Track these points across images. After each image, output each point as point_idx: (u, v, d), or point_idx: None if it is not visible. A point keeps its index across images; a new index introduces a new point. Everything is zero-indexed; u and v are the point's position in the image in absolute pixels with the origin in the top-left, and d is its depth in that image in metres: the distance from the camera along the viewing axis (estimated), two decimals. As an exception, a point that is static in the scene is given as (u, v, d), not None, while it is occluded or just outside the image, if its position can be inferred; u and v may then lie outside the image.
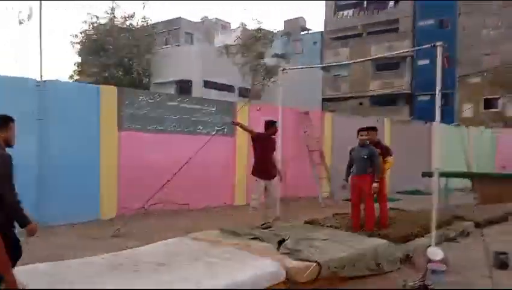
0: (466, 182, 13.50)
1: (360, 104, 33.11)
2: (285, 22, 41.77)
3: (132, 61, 21.06)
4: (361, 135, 6.79)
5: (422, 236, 6.39)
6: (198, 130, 9.59)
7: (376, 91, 32.12)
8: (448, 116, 26.90)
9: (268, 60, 16.93)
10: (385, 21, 34.44)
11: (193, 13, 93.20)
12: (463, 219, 7.84)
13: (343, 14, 36.56)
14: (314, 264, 4.47)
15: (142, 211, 8.71)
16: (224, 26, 46.57)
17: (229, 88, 21.95)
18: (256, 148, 6.48)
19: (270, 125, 6.66)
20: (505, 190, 9.87)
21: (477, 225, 8.02)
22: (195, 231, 7.30)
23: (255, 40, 15.76)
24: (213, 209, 9.68)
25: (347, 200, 11.60)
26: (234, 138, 10.29)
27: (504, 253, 5.47)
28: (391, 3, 34.59)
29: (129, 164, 8.48)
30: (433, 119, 17.71)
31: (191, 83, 21.90)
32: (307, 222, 7.10)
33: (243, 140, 10.39)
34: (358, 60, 15.51)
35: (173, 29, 39.12)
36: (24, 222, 3.38)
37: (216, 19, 44.65)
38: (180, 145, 9.23)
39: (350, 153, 6.96)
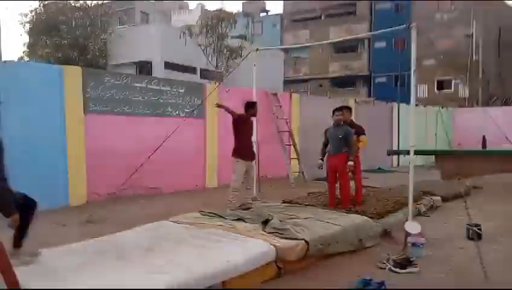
0: (425, 159, 14.08)
1: (320, 85, 33.50)
2: (243, 3, 41.35)
3: (87, 41, 20.16)
4: (337, 115, 6.84)
5: (396, 212, 6.57)
6: (167, 113, 9.35)
7: (335, 73, 32.57)
8: (404, 97, 27.75)
9: (231, 42, 16.68)
10: (343, 4, 34.79)
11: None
12: (431, 194, 8.12)
13: (302, -5, 36.56)
14: (303, 242, 4.49)
15: (113, 196, 8.47)
16: (182, 6, 45.49)
17: (190, 69, 21.53)
18: (237, 130, 6.37)
19: (250, 106, 6.57)
20: (465, 165, 10.33)
21: (445, 199, 8.39)
22: (171, 215, 7.16)
23: (218, 21, 15.46)
24: (185, 192, 9.53)
25: (317, 180, 11.81)
26: (204, 120, 10.13)
27: (477, 225, 5.71)
28: (349, -14, 34.91)
29: (97, 148, 8.15)
30: (391, 99, 18.24)
31: (151, 64, 21.29)
32: (284, 202, 7.12)
33: (213, 122, 10.26)
34: (325, 41, 15.56)
35: (127, 8, 37.75)
36: (8, 211, 3.27)
37: (173, -2, 43.43)
38: (149, 128, 8.99)
39: (325, 133, 7.02)
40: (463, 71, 31.09)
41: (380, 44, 32.48)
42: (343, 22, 34.24)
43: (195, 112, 9.72)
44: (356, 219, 5.55)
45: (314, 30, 35.11)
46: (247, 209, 6.21)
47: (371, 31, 33.06)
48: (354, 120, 7.63)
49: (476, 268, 4.33)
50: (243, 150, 6.31)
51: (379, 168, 14.96)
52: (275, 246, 4.31)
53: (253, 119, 6.75)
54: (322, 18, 36.06)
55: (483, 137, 16.92)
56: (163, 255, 4.00)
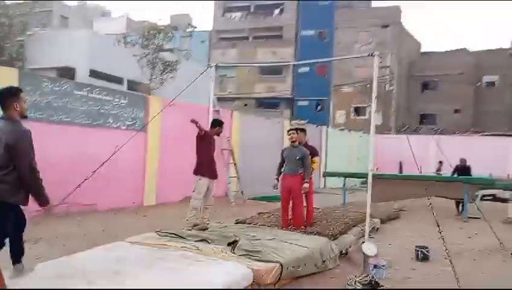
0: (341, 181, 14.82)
1: (245, 105, 33.94)
2: (171, 16, 40.86)
3: (3, 42, 18.48)
4: (292, 134, 6.93)
5: (346, 233, 6.77)
6: (107, 124, 8.81)
7: (261, 94, 33.28)
8: (324, 121, 29.16)
9: (165, 55, 16.32)
10: (271, 27, 35.89)
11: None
12: (371, 216, 8.48)
13: (231, 15, 37.10)
14: (278, 265, 4.41)
15: (44, 212, 7.68)
16: (104, 13, 43.76)
17: (117, 79, 20.62)
18: (201, 147, 6.17)
19: (218, 124, 6.43)
20: (395, 189, 11.02)
21: (382, 221, 8.83)
22: (114, 235, 6.73)
23: (156, 33, 15.04)
24: (122, 209, 8.98)
25: (253, 199, 11.83)
26: (146, 134, 9.69)
27: (424, 247, 6.07)
28: (276, 11, 36.16)
29: (29, 158, 7.38)
30: (312, 122, 18.86)
31: (74, 71, 20.05)
32: (237, 222, 7.00)
33: (154, 136, 9.87)
34: (276, 62, 15.82)
35: (44, 11, 35.45)
36: (41, 200, 3.55)
37: (96, 4, 41.70)
38: (88, 140, 8.39)
39: (282, 153, 7.07)
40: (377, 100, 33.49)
41: (304, 69, 33.84)
42: (270, 45, 35.27)
43: (136, 125, 9.27)
44: (318, 240, 5.61)
45: (242, 50, 35.71)
46: (204, 229, 6.00)
47: (295, 55, 34.40)
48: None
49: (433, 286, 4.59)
50: (207, 167, 6.12)
51: (309, 189, 15.38)
52: (252, 269, 4.18)
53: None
54: (250, 39, 36.82)
55: (400, 163, 18.24)
56: (136, 280, 3.68)
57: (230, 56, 36.02)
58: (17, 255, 3.72)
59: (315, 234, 6.08)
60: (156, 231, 5.65)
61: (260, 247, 4.82)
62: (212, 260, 4.35)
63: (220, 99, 34.57)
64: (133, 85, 21.16)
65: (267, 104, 34.60)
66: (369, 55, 5.93)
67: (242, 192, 11.12)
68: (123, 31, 37.24)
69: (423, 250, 5.99)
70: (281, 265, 4.43)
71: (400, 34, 34.34)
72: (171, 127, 10.20)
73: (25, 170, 3.46)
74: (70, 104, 8.06)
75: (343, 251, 6.05)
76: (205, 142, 6.19)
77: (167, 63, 15.48)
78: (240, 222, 6.93)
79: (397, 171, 17.62)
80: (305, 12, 35.02)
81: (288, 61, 32.64)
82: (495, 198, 12.77)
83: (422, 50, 38.91)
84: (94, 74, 20.15)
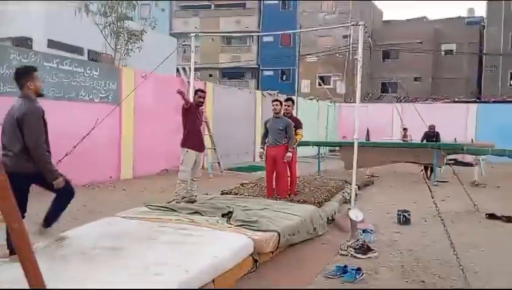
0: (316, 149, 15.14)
1: (210, 75, 33.44)
2: (128, -17, 39.07)
3: (-50, 9, 17.13)
4: (275, 105, 6.92)
5: (330, 200, 6.95)
6: (80, 97, 8.47)
7: (225, 64, 32.84)
8: (290, 90, 29.27)
9: (131, 24, 15.67)
10: (233, -5, 35.13)
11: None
12: (348, 183, 8.71)
13: (192, -18, 35.93)
14: (276, 234, 4.49)
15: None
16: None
17: (77, 50, 19.70)
18: (188, 119, 6.04)
19: (196, 93, 6.28)
20: (367, 156, 11.33)
21: (358, 188, 9.09)
22: (98, 210, 6.61)
23: (120, 0, 14.35)
24: (99, 184, 8.78)
25: (230, 170, 11.86)
26: (120, 108, 9.39)
27: (406, 211, 6.33)
28: (239, -22, 35.34)
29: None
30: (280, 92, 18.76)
31: (31, 41, 18.96)
32: (223, 193, 7.01)
33: (129, 110, 9.62)
34: (252, 32, 15.46)
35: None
36: (51, 175, 3.66)
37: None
38: (60, 114, 8.02)
39: (265, 125, 7.08)
40: (340, 69, 33.92)
41: (268, 39, 33.53)
42: (233, 14, 34.61)
43: (110, 97, 8.97)
44: (307, 208, 5.73)
45: (205, 19, 34.87)
46: (193, 202, 5.98)
47: (259, 24, 33.99)
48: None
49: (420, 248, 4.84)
50: (193, 140, 6.03)
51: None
52: (252, 238, 4.23)
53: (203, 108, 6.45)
54: (212, 8, 35.95)
55: (367, 130, 18.68)
56: (139, 255, 3.63)
57: (192, 25, 35.05)
58: (48, 219, 3.91)
59: (301, 203, 6.20)
60: (146, 205, 5.58)
61: (255, 217, 4.87)
62: (210, 231, 4.36)
63: (183, 69, 33.89)
64: (94, 55, 20.32)
65: (232, 75, 34.26)
66: (353, 25, 5.93)
67: (219, 163, 11.10)
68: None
69: (405, 214, 6.25)
70: (278, 234, 4.51)
71: (362, 3, 34.54)
72: (145, 99, 9.95)
73: (31, 143, 3.56)
74: (40, 76, 7.64)
75: (329, 218, 6.21)
76: (191, 114, 6.08)
77: (132, 32, 14.87)
78: (226, 193, 6.95)
79: (364, 138, 18.04)
80: (268, -20, 34.46)
81: (256, 31, 32.25)
82: (456, 162, 13.39)
83: (384, 19, 39.35)
84: (52, 44, 19.11)
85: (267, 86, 30.54)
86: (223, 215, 5.00)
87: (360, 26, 5.90)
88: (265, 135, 7.04)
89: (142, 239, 4.06)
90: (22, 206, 3.58)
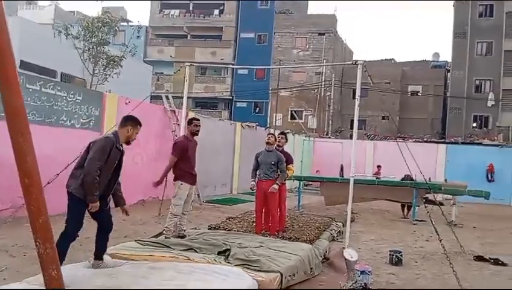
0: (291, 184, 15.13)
1: (182, 103, 33.26)
2: (103, 8, 38.94)
3: None
4: (269, 138, 6.85)
5: (320, 237, 6.82)
6: (61, 122, 8.11)
7: (199, 94, 32.81)
8: (262, 123, 29.44)
9: (111, 49, 15.42)
10: (210, 27, 35.53)
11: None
12: (334, 220, 8.65)
13: (169, 12, 36.17)
14: (278, 274, 4.31)
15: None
16: (29, 0, 40.61)
17: (50, 72, 19.19)
18: (183, 155, 5.78)
19: (191, 122, 6.10)
20: (344, 193, 11.37)
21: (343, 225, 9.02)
22: (75, 245, 6.20)
23: (101, 25, 14.12)
24: (75, 214, 8.30)
25: (209, 202, 11.59)
26: (101, 134, 9.05)
27: (398, 251, 6.28)
28: (216, 11, 35.87)
29: (-27, 158, 6.59)
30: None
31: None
32: (210, 228, 6.77)
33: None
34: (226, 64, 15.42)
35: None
36: (91, 197, 3.97)
37: (20, -10, 38.47)
38: (40, 139, 7.61)
39: (256, 158, 6.96)
40: (312, 104, 34.56)
41: (243, 71, 33.91)
42: (209, 45, 34.94)
43: (91, 123, 8.65)
44: (303, 247, 5.58)
45: (180, 48, 34.98)
46: (182, 237, 5.72)
47: (235, 56, 34.38)
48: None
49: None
50: (188, 173, 5.80)
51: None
52: (256, 280, 4.04)
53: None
54: (188, 37, 36.18)
55: (341, 166, 18.87)
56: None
57: (167, 54, 35.13)
58: (99, 254, 4.29)
59: (294, 240, 6.05)
60: (136, 240, 5.27)
61: (255, 256, 4.67)
62: (211, 271, 4.13)
63: (156, 97, 33.68)
64: (67, 78, 19.84)
65: (205, 104, 34.23)
66: (353, 63, 6.01)
67: (198, 195, 10.82)
68: (50, 21, 34.93)
69: (397, 254, 6.19)
70: (281, 274, 4.34)
71: (334, 42, 35.68)
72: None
73: (86, 166, 3.97)
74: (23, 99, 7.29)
75: (322, 257, 6.07)
76: (187, 150, 5.85)
77: (111, 58, 14.65)
78: (214, 228, 6.71)
79: (338, 174, 18.19)
80: (244, 15, 35.11)
81: (231, 63, 32.56)
82: (427, 201, 13.66)
83: (354, 58, 40.70)
84: (25, 65, 18.56)
85: (240, 118, 30.58)
86: (219, 253, 4.78)
87: (359, 64, 5.97)
88: (255, 169, 6.92)
89: (136, 280, 3.76)
90: (72, 227, 4.11)
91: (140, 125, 4.35)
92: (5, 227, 6.81)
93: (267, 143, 6.82)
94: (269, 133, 7.02)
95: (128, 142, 4.31)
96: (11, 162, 6.94)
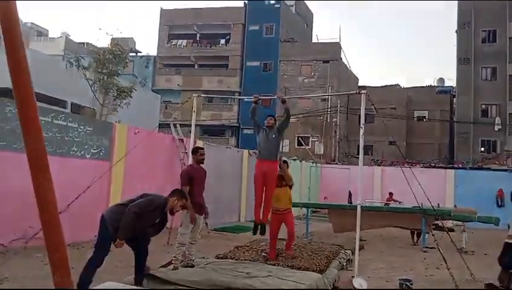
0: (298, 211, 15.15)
1: (191, 132, 33.56)
2: (112, 39, 39.88)
3: None
4: (268, 122, 6.76)
5: (329, 266, 6.80)
6: (72, 152, 8.27)
7: (206, 121, 33.14)
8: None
9: (121, 80, 15.75)
10: (216, 56, 36.20)
11: None
12: (343, 248, 8.60)
13: (176, 42, 36.96)
14: (288, 305, 4.31)
15: (0, 249, 7.00)
16: (41, 32, 41.76)
17: (60, 103, 19.57)
18: (192, 185, 5.88)
19: (197, 151, 6.22)
20: (352, 220, 11.33)
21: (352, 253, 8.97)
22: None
23: (112, 57, 14.50)
24: (84, 244, 8.35)
25: (216, 230, 11.60)
26: (111, 164, 9.19)
27: (408, 280, 6.23)
28: (222, 41, 36.61)
29: (-14, 189, 6.72)
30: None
31: (12, 92, 18.74)
32: (218, 257, 6.77)
33: (119, 167, 9.40)
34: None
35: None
36: (121, 235, 4.49)
37: (32, 23, 39.68)
38: (51, 169, 7.76)
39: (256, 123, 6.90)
40: (319, 130, 34.69)
41: (249, 99, 34.21)
42: (216, 74, 35.51)
43: (101, 153, 8.80)
44: (313, 276, 5.57)
45: (187, 77, 35.57)
46: (191, 266, 5.74)
47: (241, 85, 34.86)
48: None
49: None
50: (197, 202, 5.87)
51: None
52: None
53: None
54: (195, 67, 36.83)
55: (349, 192, 18.80)
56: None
57: (175, 82, 35.72)
58: (139, 280, 4.88)
59: (304, 269, 6.04)
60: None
61: (263, 285, 4.68)
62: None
63: (164, 125, 34.08)
64: (77, 109, 20.20)
65: (213, 132, 34.48)
66: (357, 92, 6.14)
67: (206, 223, 10.83)
68: (61, 52, 35.78)
69: (407, 283, 6.15)
70: (291, 306, 4.34)
71: (339, 69, 36.09)
72: (135, 156, 9.80)
73: (129, 208, 4.52)
74: (34, 130, 7.48)
75: (331, 286, 6.04)
76: (195, 179, 5.95)
77: (122, 89, 14.96)
78: (222, 257, 6.72)
79: (346, 201, 18.12)
80: (250, 44, 35.80)
81: (238, 91, 33.03)
82: (437, 227, 13.54)
83: (359, 84, 41.03)
84: (36, 95, 18.93)
85: (247, 145, 30.82)
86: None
87: (362, 95, 6.10)
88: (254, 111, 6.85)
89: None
90: (100, 252, 4.63)
91: (186, 199, 5.00)
92: (16, 257, 6.88)
93: (268, 126, 6.67)
94: (269, 115, 6.87)
95: (172, 213, 4.88)
96: (22, 191, 7.09)
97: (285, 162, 7.39)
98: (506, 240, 6.38)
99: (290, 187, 7.22)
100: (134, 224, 4.48)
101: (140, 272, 4.91)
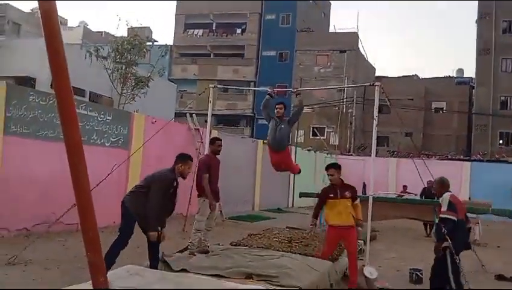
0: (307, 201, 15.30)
1: (206, 121, 33.82)
2: (129, 29, 40.24)
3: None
4: (278, 112, 6.32)
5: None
6: (92, 141, 8.53)
7: (221, 111, 33.31)
8: (284, 140, 29.60)
9: (139, 70, 15.97)
10: (232, 46, 36.24)
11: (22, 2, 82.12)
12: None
13: (193, 32, 37.10)
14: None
15: (24, 232, 7.33)
16: (59, 22, 42.31)
17: (79, 91, 19.96)
18: (209, 170, 6.08)
19: (214, 142, 6.41)
20: (366, 211, 11.42)
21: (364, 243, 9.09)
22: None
23: (130, 47, 14.74)
24: (103, 229, 8.64)
25: (230, 218, 11.81)
26: (129, 152, 9.45)
27: (418, 269, 6.34)
28: (238, 30, 36.61)
29: (11, 175, 7.02)
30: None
31: (35, 81, 19.21)
32: (232, 244, 6.96)
33: (137, 155, 9.64)
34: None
35: (-2, 16, 33.91)
36: (151, 228, 4.76)
37: (51, 12, 40.18)
38: (72, 156, 8.07)
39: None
40: (334, 121, 34.62)
41: (265, 88, 34.28)
42: (231, 63, 35.58)
43: (120, 142, 9.04)
44: (325, 264, 5.71)
45: (203, 66, 35.76)
46: (206, 252, 5.94)
47: (257, 74, 34.90)
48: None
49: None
50: (212, 189, 6.06)
51: (278, 209, 15.58)
52: (277, 294, 4.21)
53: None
54: (211, 56, 36.95)
55: (364, 183, 18.82)
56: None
57: (190, 72, 35.94)
58: (154, 267, 4.86)
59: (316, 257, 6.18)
60: (163, 254, 5.49)
61: (275, 269, 4.84)
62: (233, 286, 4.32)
63: (179, 114, 34.38)
64: (95, 97, 20.58)
65: (227, 121, 34.69)
66: (371, 84, 6.21)
67: (221, 212, 11.07)
68: (79, 41, 36.26)
69: (417, 273, 6.26)
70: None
71: (356, 59, 35.81)
72: (152, 145, 10.03)
73: (150, 200, 4.80)
74: (56, 119, 7.74)
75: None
76: (212, 168, 6.14)
77: (139, 78, 15.21)
78: (236, 245, 6.90)
79: (361, 192, 18.16)
80: (266, 33, 35.73)
81: (253, 81, 33.04)
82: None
83: (376, 75, 40.64)
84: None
85: (262, 135, 30.99)
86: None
87: (376, 86, 6.17)
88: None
89: None
90: (124, 235, 4.94)
91: (191, 160, 5.10)
92: (39, 241, 7.17)
93: (278, 116, 6.36)
94: (279, 103, 6.47)
95: (183, 177, 5.03)
96: (45, 178, 7.38)
97: (336, 166, 6.30)
98: None
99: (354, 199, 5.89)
100: (159, 212, 4.74)
101: (154, 258, 5.03)
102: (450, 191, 5.30)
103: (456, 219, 5.00)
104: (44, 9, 1.76)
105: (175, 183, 4.94)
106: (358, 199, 5.90)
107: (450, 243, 4.88)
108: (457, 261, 4.90)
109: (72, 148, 1.87)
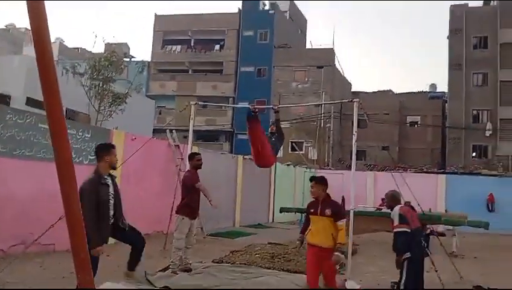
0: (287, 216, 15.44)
1: (185, 137, 33.67)
2: (106, 44, 40.00)
3: None
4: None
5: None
6: (70, 159, 8.38)
7: (200, 127, 33.24)
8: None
9: (116, 86, 15.87)
10: (211, 62, 36.41)
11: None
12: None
13: (171, 48, 37.14)
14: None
15: (0, 254, 7.12)
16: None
17: (55, 109, 19.66)
18: (189, 189, 6.08)
19: (193, 157, 6.43)
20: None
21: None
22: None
23: (107, 64, 14.65)
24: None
25: (211, 235, 11.75)
26: (108, 169, 9.33)
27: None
28: (217, 47, 36.85)
29: (-13, 195, 6.84)
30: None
31: (10, 99, 18.83)
32: (214, 261, 6.94)
33: (117, 172, 9.52)
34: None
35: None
36: (91, 243, 3.81)
37: (26, 28, 39.68)
38: (50, 175, 7.91)
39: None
40: (312, 135, 34.97)
41: (243, 103, 34.51)
42: (210, 79, 35.70)
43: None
44: (303, 278, 5.73)
45: (182, 83, 35.73)
46: (188, 270, 5.91)
47: (236, 90, 35.09)
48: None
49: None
50: (191, 208, 6.06)
51: (259, 224, 15.56)
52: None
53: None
54: (190, 72, 37.00)
55: (343, 197, 18.98)
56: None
57: (169, 88, 35.87)
58: (131, 264, 4.75)
59: (298, 273, 6.22)
60: (146, 273, 5.44)
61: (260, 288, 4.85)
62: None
63: (157, 130, 34.15)
64: (71, 114, 20.31)
65: (206, 137, 34.63)
66: (350, 101, 6.36)
67: (202, 228, 10.99)
68: (55, 58, 35.81)
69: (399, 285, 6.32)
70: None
71: (333, 75, 36.42)
72: (132, 162, 9.95)
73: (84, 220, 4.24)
74: (34, 137, 7.63)
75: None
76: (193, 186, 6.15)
77: (117, 95, 15.12)
78: (218, 262, 6.88)
79: (339, 205, 18.32)
80: (244, 50, 36.06)
81: (232, 97, 33.18)
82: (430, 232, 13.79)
83: (352, 90, 41.39)
84: (31, 101, 19.04)
85: (241, 150, 31.01)
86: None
87: (355, 103, 6.31)
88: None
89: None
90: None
91: (113, 147, 4.64)
92: (16, 263, 6.97)
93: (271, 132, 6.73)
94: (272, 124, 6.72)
95: (114, 168, 4.53)
96: (22, 197, 7.24)
97: (320, 182, 5.75)
98: None
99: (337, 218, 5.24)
100: (99, 224, 4.29)
101: (133, 260, 4.74)
102: (400, 204, 5.44)
103: (409, 230, 5.13)
104: (35, 26, 1.77)
105: (103, 181, 4.37)
106: (344, 221, 5.23)
107: (409, 254, 5.00)
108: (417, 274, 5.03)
109: (64, 169, 1.88)
